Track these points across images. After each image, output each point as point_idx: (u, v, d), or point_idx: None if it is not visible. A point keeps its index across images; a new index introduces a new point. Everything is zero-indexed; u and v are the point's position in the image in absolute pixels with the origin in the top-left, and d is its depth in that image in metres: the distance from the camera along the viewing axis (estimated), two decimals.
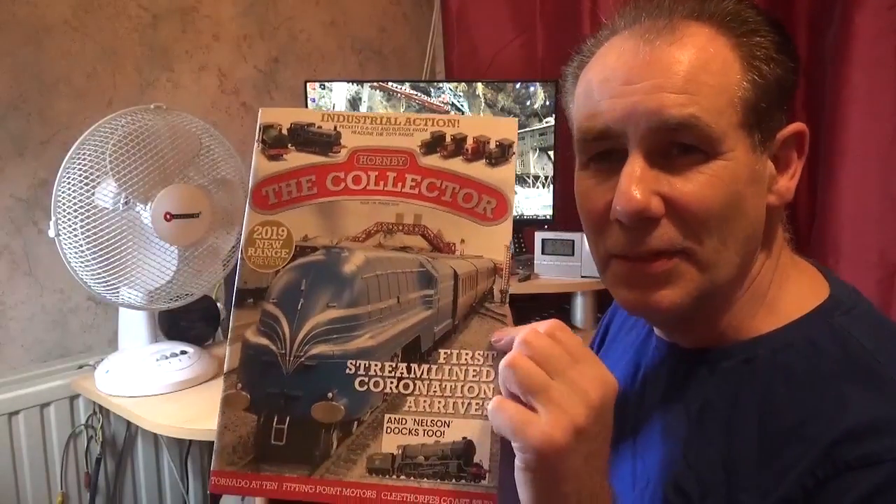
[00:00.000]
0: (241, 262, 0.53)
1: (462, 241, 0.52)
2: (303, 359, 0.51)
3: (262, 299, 0.52)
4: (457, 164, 0.53)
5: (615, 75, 0.55)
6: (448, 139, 0.54)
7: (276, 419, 0.50)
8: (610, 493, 0.50)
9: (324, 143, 0.54)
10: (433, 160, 0.53)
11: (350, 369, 0.51)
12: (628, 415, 0.65)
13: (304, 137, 0.54)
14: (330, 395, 0.50)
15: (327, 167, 0.54)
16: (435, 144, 0.54)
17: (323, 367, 0.50)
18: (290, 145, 0.54)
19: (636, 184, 0.53)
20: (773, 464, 0.52)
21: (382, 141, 0.54)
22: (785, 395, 0.54)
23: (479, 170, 0.53)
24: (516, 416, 0.45)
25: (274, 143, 0.54)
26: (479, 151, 0.53)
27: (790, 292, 0.60)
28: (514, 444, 0.46)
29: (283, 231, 0.53)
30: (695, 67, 0.54)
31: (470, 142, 0.54)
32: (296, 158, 0.54)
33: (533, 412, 0.45)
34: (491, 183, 0.53)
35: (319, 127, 0.55)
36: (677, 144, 0.54)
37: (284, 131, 0.55)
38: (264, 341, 0.51)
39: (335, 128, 0.54)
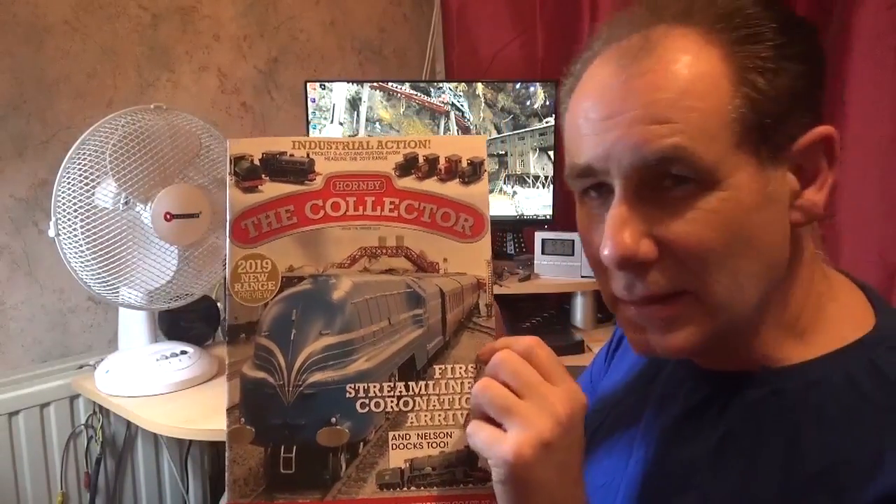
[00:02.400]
0: (228, 298, 0.53)
1: (445, 259, 0.54)
2: (302, 388, 0.51)
3: (255, 333, 0.52)
4: (432, 185, 0.54)
5: (595, 109, 0.51)
6: (421, 160, 0.54)
7: (283, 449, 0.51)
8: (585, 502, 0.50)
9: (298, 171, 0.54)
10: (409, 182, 0.54)
11: (350, 393, 0.52)
12: (627, 420, 0.63)
13: (277, 166, 0.54)
14: (333, 419, 0.51)
15: (305, 195, 0.54)
16: (409, 166, 0.54)
17: (323, 394, 0.52)
18: (263, 175, 0.54)
19: (620, 227, 0.49)
20: None
21: (356, 166, 0.54)
22: (815, 437, 0.49)
23: (453, 189, 0.54)
24: (487, 437, 0.47)
25: (247, 175, 0.53)
26: (452, 171, 0.54)
27: (828, 319, 0.55)
28: (489, 461, 0.47)
29: (267, 263, 0.53)
30: (677, 92, 0.48)
31: (442, 162, 0.54)
32: (272, 189, 0.53)
33: (503, 431, 0.47)
34: (466, 201, 0.54)
35: (291, 155, 0.54)
36: (669, 176, 0.49)
37: (256, 161, 0.54)
38: (262, 375, 0.52)
39: (308, 155, 0.54)
